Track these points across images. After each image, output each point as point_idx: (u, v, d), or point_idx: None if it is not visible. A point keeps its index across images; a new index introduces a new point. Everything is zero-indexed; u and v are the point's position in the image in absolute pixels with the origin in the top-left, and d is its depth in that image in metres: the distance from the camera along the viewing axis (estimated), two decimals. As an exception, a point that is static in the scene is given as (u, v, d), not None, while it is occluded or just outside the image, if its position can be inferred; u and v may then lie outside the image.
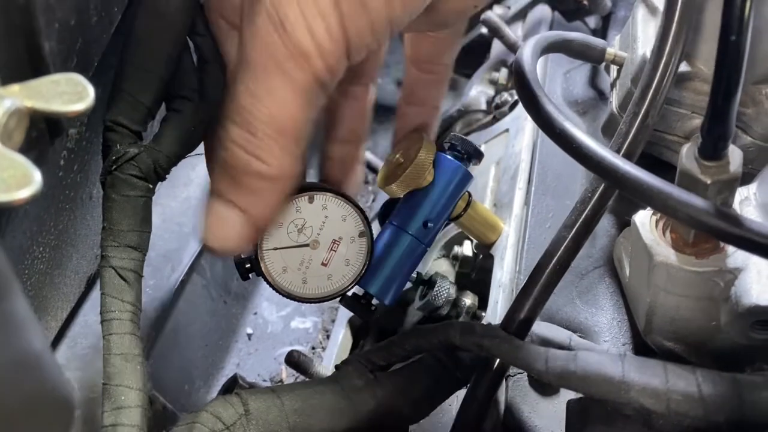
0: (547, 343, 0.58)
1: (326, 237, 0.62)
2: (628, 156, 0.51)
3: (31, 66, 0.40)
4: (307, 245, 0.62)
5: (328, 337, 0.94)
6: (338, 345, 0.86)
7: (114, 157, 0.55)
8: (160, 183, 0.59)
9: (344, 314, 0.90)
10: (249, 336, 0.94)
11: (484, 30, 1.09)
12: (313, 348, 0.94)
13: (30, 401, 0.30)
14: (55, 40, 0.41)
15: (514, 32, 1.02)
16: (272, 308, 0.97)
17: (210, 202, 0.49)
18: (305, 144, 0.48)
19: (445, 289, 0.73)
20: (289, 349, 0.89)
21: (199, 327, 0.86)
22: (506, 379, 0.62)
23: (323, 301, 0.65)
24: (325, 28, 0.44)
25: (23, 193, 0.31)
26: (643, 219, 0.55)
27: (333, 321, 0.95)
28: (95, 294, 0.76)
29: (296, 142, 0.47)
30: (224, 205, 0.49)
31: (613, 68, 0.71)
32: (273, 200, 0.49)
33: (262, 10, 0.45)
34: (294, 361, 0.78)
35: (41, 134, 0.43)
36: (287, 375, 0.90)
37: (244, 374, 0.87)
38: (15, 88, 0.35)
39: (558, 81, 0.88)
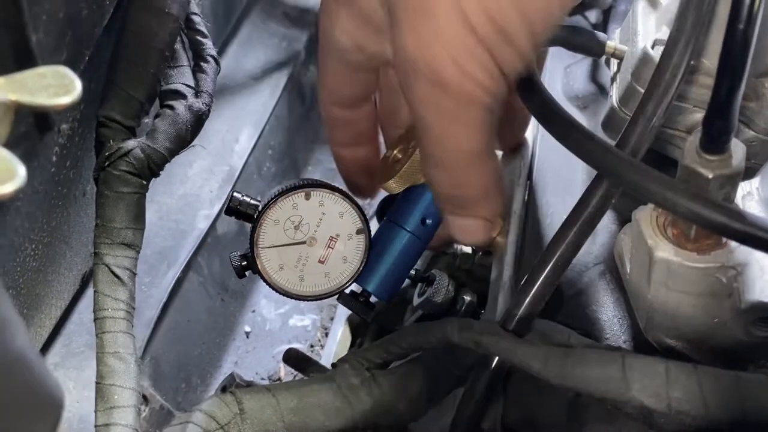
0: (546, 340, 0.57)
1: (323, 234, 0.61)
2: (633, 155, 0.50)
3: (17, 59, 0.39)
4: (303, 242, 0.61)
5: (326, 335, 0.93)
6: (337, 343, 0.86)
7: (107, 153, 0.55)
8: (156, 180, 0.59)
9: (343, 312, 0.90)
10: (247, 334, 0.94)
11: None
12: (312, 346, 0.94)
13: (14, 400, 0.29)
14: (43, 32, 0.40)
15: (514, 27, 1.01)
16: (270, 306, 0.96)
17: (450, 219, 0.57)
18: (495, 153, 0.55)
19: (444, 286, 0.72)
20: (287, 347, 0.89)
21: (196, 325, 0.85)
22: (505, 377, 0.61)
23: (320, 299, 0.64)
24: (481, 68, 0.46)
25: (7, 188, 0.31)
26: (644, 214, 0.54)
27: (332, 319, 0.95)
28: (90, 292, 0.75)
29: (489, 161, 0.53)
30: (462, 218, 0.57)
31: (614, 62, 0.71)
32: (497, 204, 0.56)
33: (419, 72, 0.47)
34: (292, 359, 0.77)
35: (30, 129, 0.43)
36: (285, 373, 0.89)
37: (242, 373, 0.87)
38: (0, 80, 0.34)
39: (558, 76, 0.88)
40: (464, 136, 0.50)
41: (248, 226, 0.62)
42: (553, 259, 0.53)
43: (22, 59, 0.39)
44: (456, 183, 0.53)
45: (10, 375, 0.28)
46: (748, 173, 0.52)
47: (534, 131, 0.82)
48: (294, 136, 1.10)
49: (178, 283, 0.81)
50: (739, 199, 0.53)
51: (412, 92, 0.49)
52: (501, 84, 0.48)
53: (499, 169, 0.55)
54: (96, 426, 0.50)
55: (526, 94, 0.53)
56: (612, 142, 0.53)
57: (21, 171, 0.31)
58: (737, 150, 0.48)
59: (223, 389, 0.78)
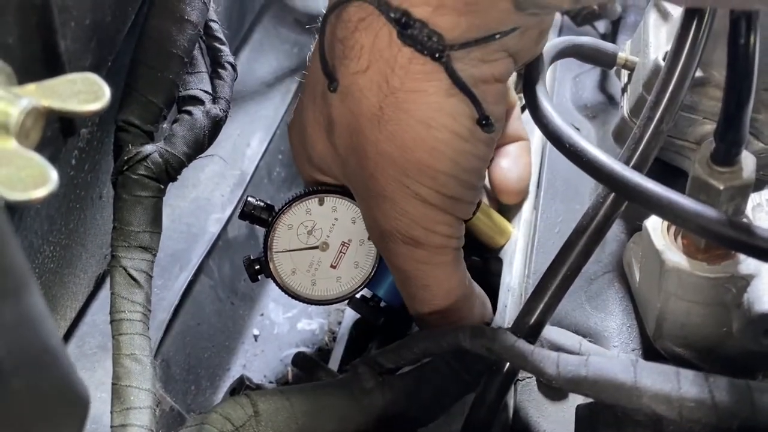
0: (557, 347, 0.58)
1: (336, 239, 0.62)
2: (641, 162, 0.51)
3: (47, 65, 0.40)
4: (316, 247, 0.62)
5: (334, 338, 0.94)
6: (344, 347, 0.86)
7: (126, 157, 0.55)
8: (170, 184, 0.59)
9: (351, 316, 0.90)
10: (255, 337, 0.94)
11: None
12: (320, 350, 0.94)
13: (46, 397, 0.30)
14: (71, 39, 0.41)
15: (523, 36, 1.02)
16: (279, 310, 0.97)
17: None
18: (471, 282, 0.60)
19: (454, 293, 0.73)
20: (295, 350, 0.89)
21: (206, 328, 0.86)
22: (515, 384, 0.61)
23: (332, 304, 0.65)
24: (442, 224, 0.54)
25: (40, 192, 0.31)
26: (655, 224, 0.55)
27: (339, 323, 0.95)
28: (103, 293, 0.76)
29: (468, 289, 0.59)
30: None
31: (624, 73, 0.71)
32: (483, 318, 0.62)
33: (393, 237, 0.55)
34: (301, 362, 0.77)
35: (55, 134, 0.44)
36: (293, 376, 0.90)
37: (250, 375, 0.87)
38: (32, 87, 0.35)
39: (567, 85, 0.88)
40: (443, 275, 0.56)
41: (259, 229, 0.63)
42: (564, 268, 0.54)
43: (50, 65, 0.40)
44: (445, 319, 0.59)
45: (44, 372, 0.29)
46: (758, 185, 0.53)
47: (543, 140, 0.83)
48: (304, 141, 1.11)
49: (190, 286, 0.81)
50: (749, 211, 0.53)
51: (390, 251, 0.56)
52: (462, 226, 0.56)
53: (475, 294, 0.61)
54: (112, 427, 0.51)
55: (537, 117, 0.54)
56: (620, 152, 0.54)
57: (53, 176, 0.32)
58: (748, 162, 0.49)
59: (233, 392, 0.79)
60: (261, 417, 0.52)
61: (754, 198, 0.54)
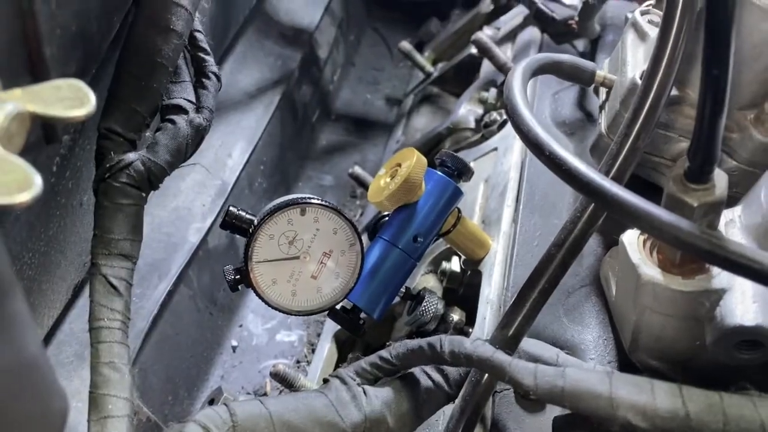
0: (534, 359, 0.58)
1: (317, 250, 0.62)
2: (618, 177, 0.52)
3: (31, 71, 0.40)
4: (297, 258, 0.62)
5: (313, 350, 0.94)
6: (323, 359, 0.86)
7: (108, 165, 0.55)
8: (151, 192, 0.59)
9: (329, 328, 0.90)
10: (234, 348, 0.94)
11: (474, 50, 1.11)
12: (298, 361, 0.94)
13: (26, 404, 0.30)
14: (56, 46, 0.41)
15: (504, 53, 1.04)
16: (257, 321, 0.96)
17: None
18: None
19: (433, 305, 0.73)
20: (273, 362, 0.89)
21: (184, 338, 0.85)
22: (493, 395, 0.62)
23: (312, 314, 0.65)
24: None
25: (24, 197, 0.31)
26: (631, 239, 0.56)
27: (318, 335, 0.95)
28: (81, 302, 0.76)
29: None
30: None
31: (602, 91, 0.73)
32: None
33: None
34: (279, 374, 0.77)
35: (37, 140, 0.44)
36: (271, 388, 0.89)
37: (228, 387, 0.87)
38: (17, 92, 0.35)
39: (546, 102, 0.90)
40: None
41: (239, 240, 0.63)
42: (542, 280, 0.54)
43: (35, 71, 0.40)
44: None
45: (22, 380, 0.29)
46: (731, 201, 0.54)
47: (522, 155, 0.84)
48: (285, 152, 1.11)
49: (169, 295, 0.81)
50: (722, 226, 0.54)
51: None
52: None
53: None
54: (89, 436, 0.51)
55: (517, 125, 0.54)
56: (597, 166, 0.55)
57: (37, 180, 0.32)
58: (720, 179, 0.50)
59: (210, 402, 0.78)
60: (239, 427, 0.52)
61: (726, 214, 0.55)
